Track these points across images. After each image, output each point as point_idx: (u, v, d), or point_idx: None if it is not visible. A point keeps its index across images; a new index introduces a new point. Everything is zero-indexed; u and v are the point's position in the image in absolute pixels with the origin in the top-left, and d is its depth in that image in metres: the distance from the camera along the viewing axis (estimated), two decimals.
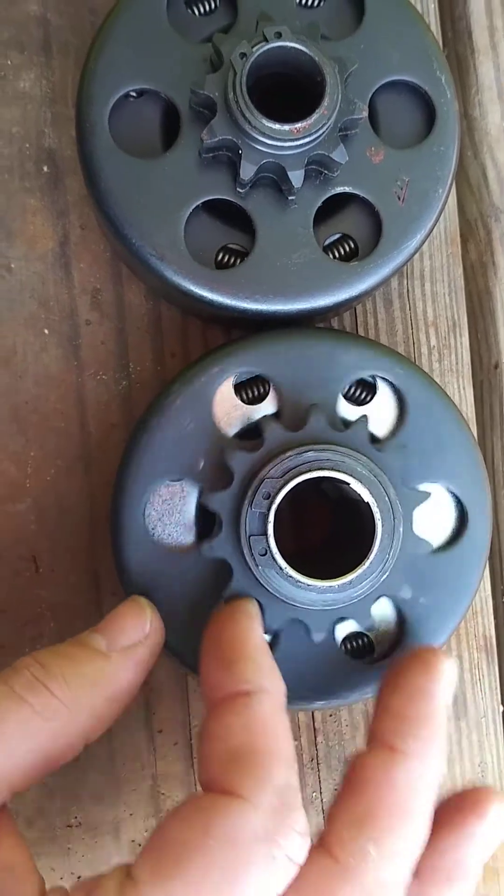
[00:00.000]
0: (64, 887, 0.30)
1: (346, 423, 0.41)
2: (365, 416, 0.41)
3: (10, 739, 0.29)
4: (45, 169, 0.48)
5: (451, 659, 0.35)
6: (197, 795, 0.29)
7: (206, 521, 0.42)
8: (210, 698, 0.32)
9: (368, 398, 0.43)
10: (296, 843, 0.28)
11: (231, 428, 0.42)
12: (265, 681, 0.31)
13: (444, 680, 0.33)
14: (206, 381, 0.41)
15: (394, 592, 0.39)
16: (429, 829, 0.32)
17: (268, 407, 0.42)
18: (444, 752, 0.33)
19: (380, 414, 0.43)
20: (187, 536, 0.42)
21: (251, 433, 0.42)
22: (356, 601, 0.39)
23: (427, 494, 0.41)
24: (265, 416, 0.41)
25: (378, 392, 0.43)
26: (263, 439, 0.39)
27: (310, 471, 0.38)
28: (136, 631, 0.34)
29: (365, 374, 0.43)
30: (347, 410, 0.43)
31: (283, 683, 0.32)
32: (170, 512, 0.42)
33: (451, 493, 0.43)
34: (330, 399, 0.42)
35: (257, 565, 0.38)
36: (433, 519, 0.43)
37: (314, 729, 0.50)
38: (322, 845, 0.30)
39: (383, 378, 0.43)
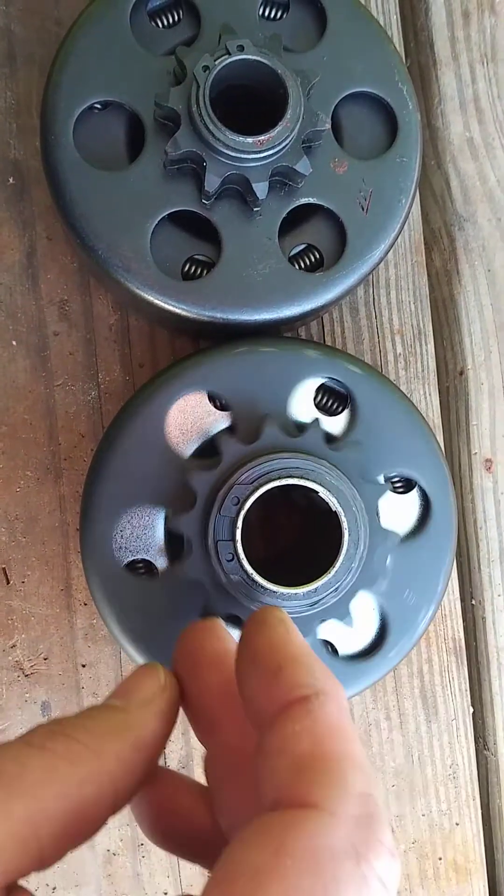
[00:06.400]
0: None
1: (301, 427, 0.42)
2: (317, 420, 0.41)
3: (36, 785, 0.26)
4: (11, 180, 0.48)
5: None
6: (261, 816, 0.25)
7: (176, 542, 0.42)
8: (261, 717, 0.28)
9: (340, 409, 0.44)
10: (387, 865, 0.24)
11: (189, 447, 0.42)
12: (322, 682, 0.27)
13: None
14: (154, 408, 0.42)
15: (370, 586, 0.40)
16: None
17: (223, 422, 0.43)
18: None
19: (334, 416, 0.44)
20: (160, 560, 0.42)
21: (210, 450, 0.42)
22: (334, 602, 0.39)
23: (385, 487, 0.41)
24: (220, 432, 0.41)
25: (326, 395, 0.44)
26: (221, 455, 0.40)
27: (279, 478, 0.38)
28: (151, 685, 0.31)
29: (311, 378, 0.43)
30: (300, 414, 0.43)
31: (341, 685, 0.28)
32: (139, 538, 0.42)
33: (413, 480, 0.44)
34: (280, 406, 0.42)
35: (225, 572, 0.38)
36: (399, 509, 0.44)
37: None
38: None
39: (330, 378, 0.43)
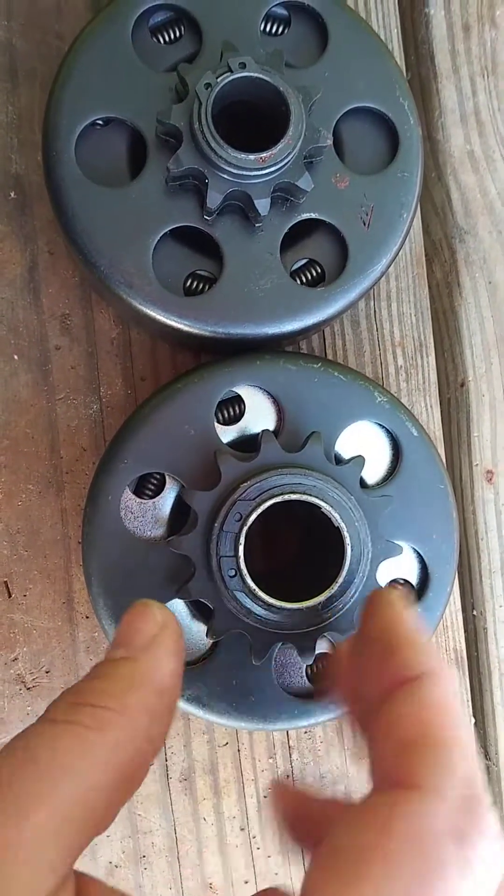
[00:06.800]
0: None
1: (340, 460, 0.42)
2: (362, 457, 0.41)
3: (74, 763, 0.25)
4: (13, 195, 0.48)
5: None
6: (368, 797, 0.25)
7: (178, 519, 0.42)
8: (373, 697, 0.28)
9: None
10: (492, 848, 0.24)
11: (225, 435, 0.43)
12: (429, 664, 0.28)
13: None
14: (215, 384, 0.42)
15: (343, 633, 0.40)
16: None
17: (266, 423, 0.43)
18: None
19: (373, 462, 0.44)
20: (158, 530, 0.43)
21: (240, 446, 0.42)
22: (302, 631, 0.39)
23: (400, 549, 0.41)
24: (265, 431, 0.41)
25: (376, 439, 0.44)
26: (258, 452, 0.40)
27: (282, 494, 0.38)
28: (149, 625, 0.30)
29: (367, 420, 0.43)
30: (344, 450, 0.44)
31: (450, 667, 0.29)
32: (145, 504, 0.42)
33: (420, 557, 0.44)
34: (332, 434, 0.42)
35: (227, 587, 0.38)
36: (396, 575, 0.44)
37: (289, 746, 0.51)
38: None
39: (386, 429, 0.44)
